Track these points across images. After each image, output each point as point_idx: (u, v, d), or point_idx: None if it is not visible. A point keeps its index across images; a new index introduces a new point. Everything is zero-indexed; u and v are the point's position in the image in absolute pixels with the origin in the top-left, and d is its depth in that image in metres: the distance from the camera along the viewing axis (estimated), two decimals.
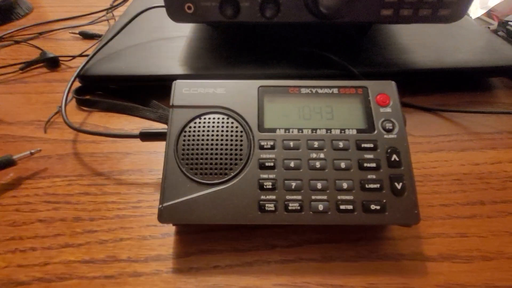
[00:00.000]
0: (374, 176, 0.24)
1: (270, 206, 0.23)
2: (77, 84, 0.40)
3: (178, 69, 0.39)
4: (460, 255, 0.25)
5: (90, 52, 0.44)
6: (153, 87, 0.39)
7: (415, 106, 0.38)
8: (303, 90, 0.27)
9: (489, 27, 0.51)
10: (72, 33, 0.54)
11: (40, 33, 0.54)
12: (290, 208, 0.23)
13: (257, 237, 0.26)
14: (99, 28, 0.56)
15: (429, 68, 0.39)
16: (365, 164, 0.24)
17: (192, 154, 0.25)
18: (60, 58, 0.47)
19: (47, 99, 0.41)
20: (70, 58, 0.47)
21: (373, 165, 0.24)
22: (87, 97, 0.40)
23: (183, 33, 0.45)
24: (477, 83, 0.41)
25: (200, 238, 0.26)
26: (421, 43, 0.43)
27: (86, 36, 0.53)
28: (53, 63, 0.46)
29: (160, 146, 0.33)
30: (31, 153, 0.32)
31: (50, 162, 0.33)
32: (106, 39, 0.42)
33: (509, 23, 0.47)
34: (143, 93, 0.39)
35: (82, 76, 0.38)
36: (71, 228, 0.27)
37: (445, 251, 0.25)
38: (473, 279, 0.24)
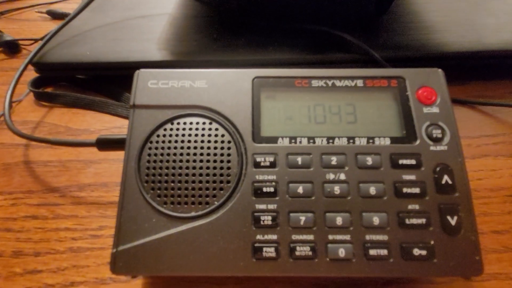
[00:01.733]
0: (417, 207, 0.18)
1: (269, 251, 0.17)
2: (35, 74, 0.33)
3: (156, 54, 0.33)
4: None
5: None
6: (126, 77, 0.32)
7: None
8: (315, 83, 0.21)
9: None
10: (39, 12, 0.47)
11: (2, 13, 0.47)
12: (298, 253, 0.17)
13: (251, 281, 0.21)
14: (72, 7, 0.48)
15: (467, 51, 0.33)
16: (405, 189, 0.18)
17: (161, 175, 0.18)
18: (20, 42, 0.40)
19: (0, 91, 0.34)
20: (32, 42, 0.40)
21: (416, 190, 0.18)
22: (48, 90, 0.34)
23: (165, 10, 0.39)
24: None
25: (176, 282, 0.21)
26: (454, 20, 0.37)
27: (55, 15, 0.46)
28: (12, 48, 0.40)
29: None
30: None
31: None
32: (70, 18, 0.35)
33: None
34: (115, 84, 0.34)
35: (36, 63, 0.32)
36: (9, 267, 0.22)
37: None
38: None
